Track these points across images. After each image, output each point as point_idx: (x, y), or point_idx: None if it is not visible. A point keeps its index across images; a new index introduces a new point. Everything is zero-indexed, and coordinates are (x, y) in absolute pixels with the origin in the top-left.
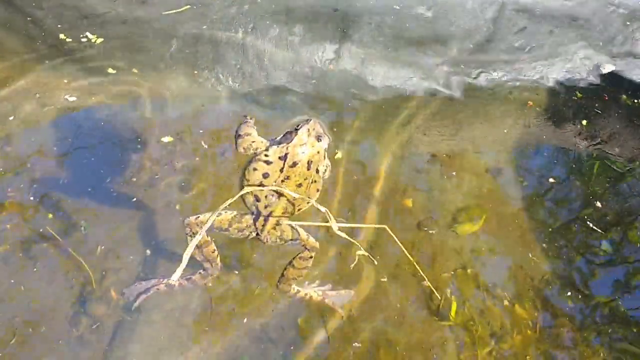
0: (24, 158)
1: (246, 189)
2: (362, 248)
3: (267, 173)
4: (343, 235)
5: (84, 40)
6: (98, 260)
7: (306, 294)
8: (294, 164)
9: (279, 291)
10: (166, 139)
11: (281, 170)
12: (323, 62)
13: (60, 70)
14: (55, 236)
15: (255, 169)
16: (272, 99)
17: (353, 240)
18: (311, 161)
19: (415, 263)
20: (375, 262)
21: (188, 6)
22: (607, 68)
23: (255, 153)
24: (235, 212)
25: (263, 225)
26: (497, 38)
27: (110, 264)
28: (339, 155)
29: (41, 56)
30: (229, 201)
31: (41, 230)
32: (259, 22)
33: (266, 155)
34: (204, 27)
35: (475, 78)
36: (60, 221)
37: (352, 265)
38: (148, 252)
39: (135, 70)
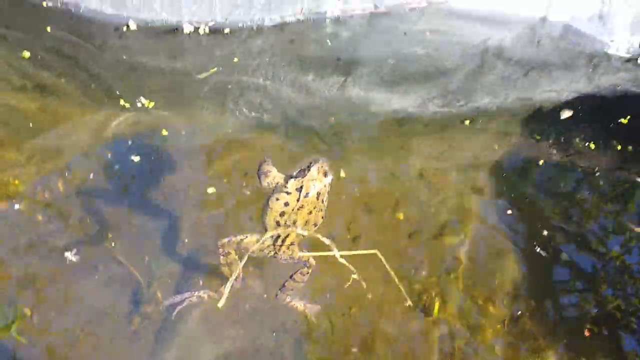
0: (84, 183)
1: (269, 233)
2: (355, 272)
3: (287, 202)
4: (344, 262)
5: (138, 103)
6: (146, 268)
7: (294, 304)
8: (307, 195)
9: (277, 299)
10: (200, 161)
11: (297, 200)
12: (330, 94)
13: (112, 109)
14: (112, 249)
15: (277, 199)
16: (287, 127)
17: (350, 266)
18: (320, 193)
19: (399, 284)
20: (364, 286)
21: (215, 68)
22: (566, 114)
23: (276, 186)
24: (258, 235)
25: (280, 246)
26: (481, 73)
27: (155, 272)
28: (342, 174)
29: (97, 102)
30: (265, 237)
31: (101, 245)
32: (277, 70)
33: (286, 187)
34: (232, 76)
35: (462, 106)
36: (116, 238)
37: (347, 285)
38: (186, 261)
39: (167, 105)
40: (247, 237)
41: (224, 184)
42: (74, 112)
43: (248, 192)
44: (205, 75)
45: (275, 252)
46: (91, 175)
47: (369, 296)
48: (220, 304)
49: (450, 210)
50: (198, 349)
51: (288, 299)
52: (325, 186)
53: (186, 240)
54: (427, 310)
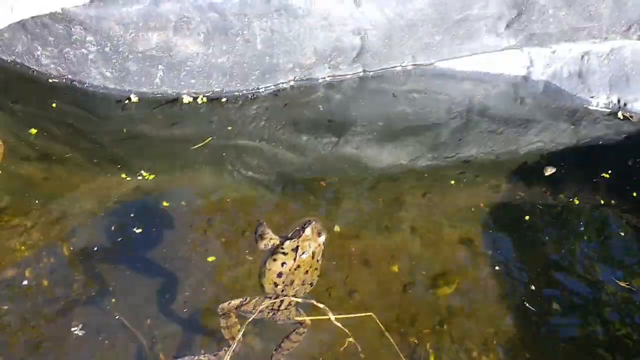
0: (88, 249)
1: (266, 303)
2: (350, 335)
3: (284, 262)
4: (339, 325)
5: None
6: (148, 330)
7: None
8: (303, 255)
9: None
10: (200, 225)
11: (294, 260)
12: (324, 153)
13: (116, 177)
14: (115, 314)
15: (275, 260)
16: (282, 185)
17: (345, 330)
18: (314, 252)
19: (395, 345)
20: (360, 351)
21: (210, 138)
22: (549, 171)
23: (272, 247)
24: (257, 297)
25: (279, 306)
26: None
27: (157, 334)
28: (337, 228)
29: (101, 171)
30: (263, 306)
31: (104, 309)
32: (272, 132)
33: (282, 249)
34: (230, 139)
35: (450, 158)
36: (120, 303)
37: (342, 348)
38: (187, 324)
39: (167, 171)
40: (246, 299)
41: (223, 247)
42: (78, 180)
43: (248, 257)
44: (199, 145)
45: (274, 314)
46: (95, 241)
47: (365, 350)
48: None
49: (442, 263)
50: None
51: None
52: (319, 245)
53: (188, 304)
54: None
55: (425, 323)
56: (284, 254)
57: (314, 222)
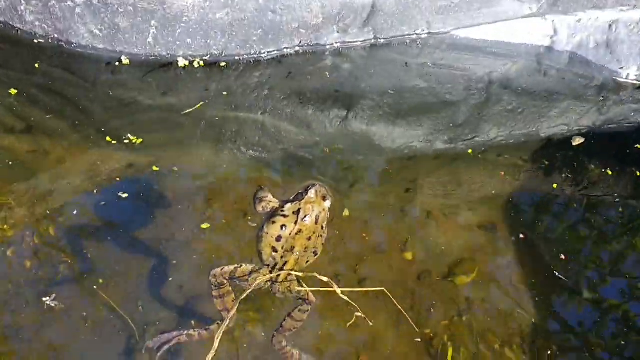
0: (75, 227)
1: (263, 278)
2: (359, 310)
3: (284, 225)
4: (346, 298)
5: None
6: (139, 315)
7: (290, 350)
8: (305, 218)
9: (273, 341)
10: (198, 202)
11: (295, 223)
12: (331, 129)
13: (106, 149)
14: (103, 296)
15: (274, 222)
16: (287, 165)
17: (353, 303)
18: (318, 217)
19: (406, 315)
20: (371, 324)
21: (201, 103)
22: (578, 141)
23: (271, 210)
24: (254, 265)
25: (278, 275)
26: (487, 106)
27: (150, 318)
28: (346, 212)
29: (89, 141)
30: (261, 279)
31: (91, 291)
32: (276, 104)
33: (282, 211)
34: (229, 110)
35: (469, 140)
36: (108, 283)
37: (349, 324)
38: (181, 306)
39: (166, 146)
40: (241, 266)
41: (220, 222)
42: (66, 153)
43: (250, 223)
44: (190, 110)
45: (273, 283)
46: (82, 219)
47: (376, 340)
48: (209, 357)
49: (460, 249)
50: None
51: (284, 343)
52: (324, 210)
53: (181, 283)
54: (439, 358)
55: (443, 314)
56: (284, 216)
57: (318, 185)
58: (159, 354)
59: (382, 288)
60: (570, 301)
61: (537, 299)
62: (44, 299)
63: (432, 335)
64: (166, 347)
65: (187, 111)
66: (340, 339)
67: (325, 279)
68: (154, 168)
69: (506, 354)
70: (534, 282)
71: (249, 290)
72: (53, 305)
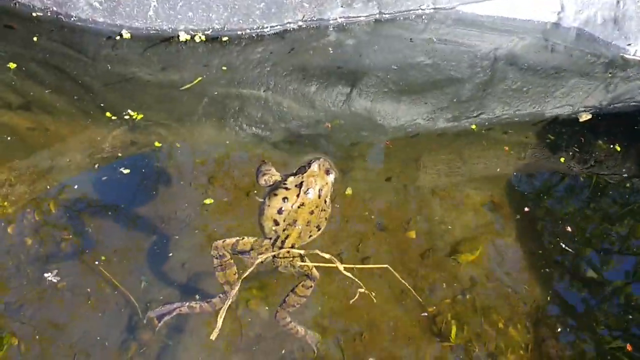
0: (76, 204)
1: (265, 256)
2: (362, 286)
3: (286, 197)
4: (349, 275)
5: (127, 116)
6: (143, 293)
7: (295, 327)
8: (308, 191)
9: (276, 318)
10: (202, 179)
11: (297, 196)
12: (335, 107)
13: (106, 125)
14: (105, 273)
15: (275, 194)
16: (289, 143)
17: (356, 279)
18: (321, 190)
19: (412, 290)
20: (375, 300)
21: (200, 78)
22: (585, 117)
23: (274, 183)
24: (256, 237)
25: (280, 248)
26: (492, 83)
27: (153, 295)
28: (349, 191)
29: (89, 117)
30: (263, 256)
31: (93, 268)
32: (278, 80)
33: (285, 184)
34: (231, 86)
35: (474, 117)
36: (110, 260)
37: (352, 301)
38: (184, 282)
39: (168, 122)
40: (243, 238)
41: (222, 199)
42: (66, 130)
43: (258, 198)
44: (188, 86)
45: (275, 256)
46: (84, 195)
47: (380, 317)
48: (213, 336)
49: (464, 228)
50: None
51: (288, 319)
52: (327, 184)
53: (184, 260)
54: (443, 336)
55: (446, 293)
56: (286, 189)
57: (321, 159)
58: (159, 324)
59: (386, 265)
60: (575, 280)
61: (541, 277)
62: (46, 274)
63: (435, 313)
64: (167, 317)
65: (186, 86)
66: (343, 316)
67: (327, 256)
68: (157, 144)
69: (510, 333)
70: (538, 260)
71: (252, 268)
72: (55, 280)
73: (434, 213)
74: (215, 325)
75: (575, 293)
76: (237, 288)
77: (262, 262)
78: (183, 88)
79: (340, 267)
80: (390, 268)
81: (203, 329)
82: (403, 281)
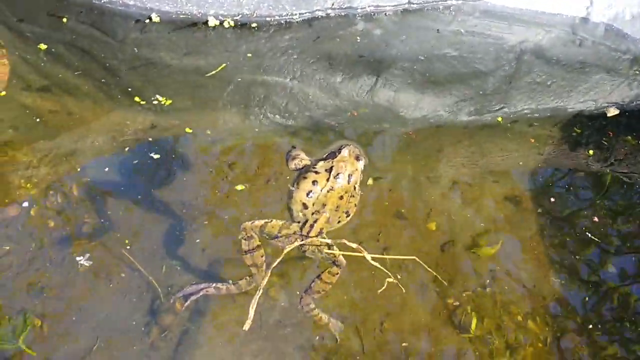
0: (99, 186)
1: (293, 245)
2: (391, 276)
3: (315, 181)
4: (376, 264)
5: (155, 101)
6: (164, 276)
7: (318, 314)
8: (338, 176)
9: (300, 304)
10: (226, 165)
11: (327, 180)
12: (359, 97)
13: (132, 109)
14: (128, 257)
15: (305, 178)
16: (313, 132)
17: (384, 269)
18: (351, 175)
19: (443, 281)
20: (404, 291)
21: (224, 64)
22: (612, 112)
23: (304, 167)
24: (284, 220)
25: (308, 232)
26: (518, 77)
27: (174, 280)
28: (370, 181)
29: (115, 100)
30: (290, 247)
31: (116, 252)
32: (305, 69)
33: (314, 168)
34: (257, 74)
35: (497, 110)
36: (133, 244)
37: (380, 291)
38: (205, 268)
39: (193, 108)
40: (271, 221)
41: (247, 186)
42: (90, 113)
43: (273, 196)
44: (213, 72)
45: (303, 239)
46: (107, 178)
47: (401, 308)
48: (245, 327)
49: (485, 220)
50: None
51: (312, 306)
52: (357, 170)
53: (208, 246)
54: (463, 327)
55: (465, 285)
56: (316, 172)
57: (352, 145)
58: (186, 304)
59: (414, 257)
60: (595, 274)
61: (561, 272)
62: (78, 258)
63: (455, 305)
64: (194, 297)
65: (211, 73)
66: (364, 305)
67: (354, 245)
68: (187, 130)
69: (529, 326)
70: (559, 255)
71: (280, 257)
72: (87, 265)
73: (455, 205)
74: (248, 315)
75: (597, 288)
76: (267, 278)
77: (290, 249)
78: (208, 75)
79: (368, 256)
80: (418, 260)
81: (224, 314)
82: (432, 271)
